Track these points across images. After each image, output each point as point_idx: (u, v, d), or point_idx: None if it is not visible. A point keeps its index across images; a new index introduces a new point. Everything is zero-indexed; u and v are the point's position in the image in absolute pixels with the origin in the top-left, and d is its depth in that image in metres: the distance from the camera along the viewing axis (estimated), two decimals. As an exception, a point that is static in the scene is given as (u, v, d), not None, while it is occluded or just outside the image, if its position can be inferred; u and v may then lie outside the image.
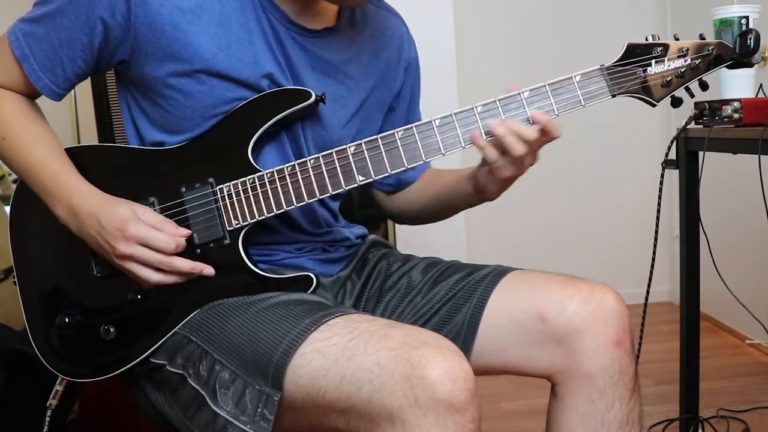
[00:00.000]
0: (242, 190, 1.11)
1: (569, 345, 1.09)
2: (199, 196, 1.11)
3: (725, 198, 2.61)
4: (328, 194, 1.10)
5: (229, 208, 1.11)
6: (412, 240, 2.28)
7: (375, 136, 1.10)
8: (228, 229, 1.11)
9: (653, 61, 1.12)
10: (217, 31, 1.09)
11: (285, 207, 1.10)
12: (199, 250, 1.11)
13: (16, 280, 1.18)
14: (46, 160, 1.10)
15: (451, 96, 2.74)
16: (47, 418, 1.21)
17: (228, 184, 1.11)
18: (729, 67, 1.16)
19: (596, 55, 1.24)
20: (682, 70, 1.12)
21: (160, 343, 1.10)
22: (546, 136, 1.09)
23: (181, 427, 1.10)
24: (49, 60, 1.10)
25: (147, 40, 1.07)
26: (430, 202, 1.32)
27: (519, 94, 1.10)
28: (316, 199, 1.11)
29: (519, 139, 1.07)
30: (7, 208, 1.19)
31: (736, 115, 1.56)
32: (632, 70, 1.12)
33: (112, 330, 1.12)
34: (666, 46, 1.12)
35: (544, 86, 1.11)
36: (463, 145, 1.10)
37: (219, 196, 1.11)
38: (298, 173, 1.10)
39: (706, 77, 1.14)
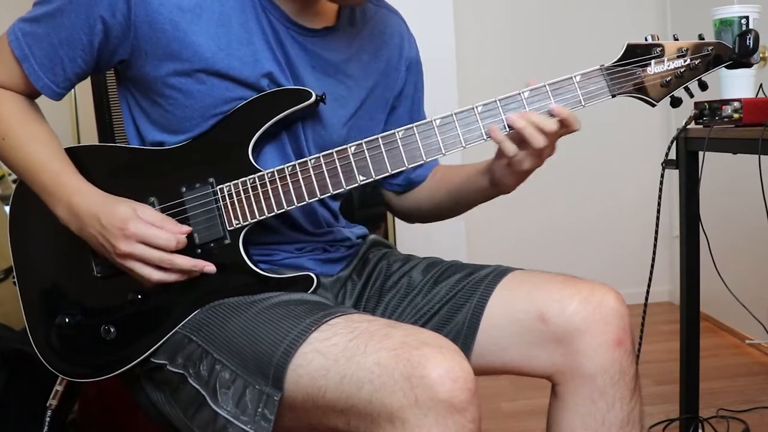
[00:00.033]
0: (242, 189, 1.11)
1: (569, 345, 1.09)
2: (199, 196, 1.11)
3: (725, 198, 2.61)
4: (329, 194, 1.10)
5: (229, 207, 1.11)
6: (412, 240, 2.29)
7: (376, 136, 1.10)
8: (228, 228, 1.11)
9: (653, 62, 1.12)
10: (217, 30, 1.09)
11: (285, 207, 1.10)
12: (199, 250, 1.11)
13: (15, 280, 1.18)
14: (46, 160, 1.10)
15: (451, 96, 2.75)
16: (47, 418, 1.21)
17: (228, 183, 1.11)
18: (728, 67, 1.16)
19: (596, 55, 1.25)
20: (682, 70, 1.13)
21: (160, 343, 1.10)
22: (566, 128, 1.09)
23: (182, 427, 1.10)
24: (49, 59, 1.10)
25: (147, 39, 1.07)
26: (443, 200, 1.31)
27: (519, 94, 1.11)
28: (316, 198, 1.11)
29: (539, 131, 1.07)
30: (7, 208, 1.19)
31: (736, 115, 1.56)
32: (632, 70, 1.12)
33: (112, 330, 1.12)
34: (665, 47, 1.12)
35: (544, 86, 1.11)
36: (464, 144, 1.11)
37: (219, 196, 1.11)
38: (299, 173, 1.10)
39: (706, 77, 1.15)
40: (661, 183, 1.78)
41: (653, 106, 1.14)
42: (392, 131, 1.11)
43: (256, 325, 1.02)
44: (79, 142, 2.14)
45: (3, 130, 1.13)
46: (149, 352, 1.10)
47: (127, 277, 1.09)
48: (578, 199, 3.28)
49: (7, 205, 1.18)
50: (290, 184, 1.10)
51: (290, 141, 1.16)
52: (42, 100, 1.17)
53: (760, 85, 1.68)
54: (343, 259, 1.27)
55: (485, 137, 1.11)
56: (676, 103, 1.15)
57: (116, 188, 1.10)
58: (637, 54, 1.12)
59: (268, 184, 1.10)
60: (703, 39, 1.14)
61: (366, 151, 1.10)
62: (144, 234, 1.04)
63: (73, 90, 1.17)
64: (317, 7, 1.17)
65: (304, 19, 1.16)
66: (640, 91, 1.13)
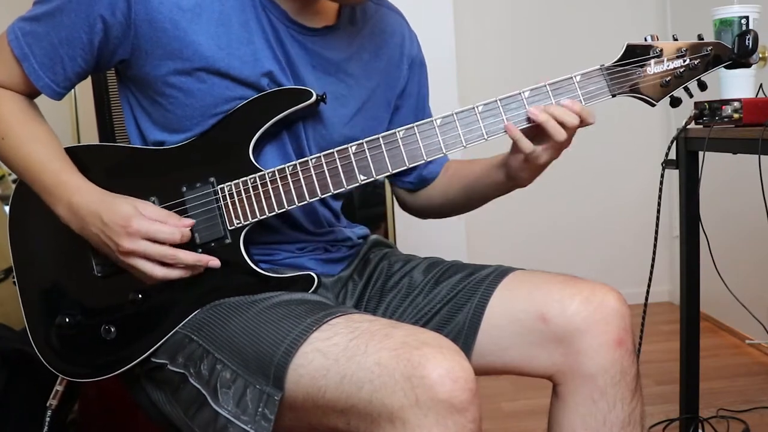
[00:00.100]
0: (243, 189, 1.11)
1: (570, 345, 1.09)
2: (200, 195, 1.11)
3: (725, 198, 2.61)
4: (330, 193, 1.11)
5: (230, 207, 1.11)
6: (413, 240, 2.29)
7: (376, 136, 1.10)
8: (229, 228, 1.11)
9: (652, 62, 1.13)
10: (217, 29, 1.09)
11: (286, 206, 1.11)
12: (200, 250, 1.11)
13: (15, 280, 1.17)
14: (46, 160, 1.10)
15: (451, 96, 2.75)
16: (47, 418, 1.21)
17: (229, 183, 1.11)
18: (727, 67, 1.16)
19: (596, 55, 1.25)
20: (681, 70, 1.13)
21: (161, 342, 1.10)
22: (582, 123, 1.10)
23: (182, 427, 1.10)
24: (49, 59, 1.10)
25: (147, 38, 1.07)
26: (457, 196, 1.31)
27: (519, 94, 1.11)
28: (317, 198, 1.11)
29: (561, 125, 1.08)
30: (7, 208, 1.19)
31: (736, 115, 1.56)
32: (632, 70, 1.12)
33: (112, 330, 1.12)
34: (665, 47, 1.13)
35: (545, 86, 1.11)
36: (465, 144, 1.11)
37: (220, 195, 1.11)
38: (300, 172, 1.10)
39: (705, 77, 1.15)
40: (661, 183, 1.77)
41: (653, 106, 1.15)
42: (393, 131, 1.11)
43: (256, 324, 1.02)
44: (79, 142, 2.13)
45: (3, 129, 1.12)
46: (150, 351, 1.10)
47: (128, 277, 1.09)
48: (578, 199, 3.28)
49: (7, 205, 1.18)
50: (291, 183, 1.10)
51: (291, 140, 1.16)
52: (42, 100, 1.17)
53: (760, 85, 1.68)
54: (344, 259, 1.27)
55: (485, 137, 1.11)
56: (675, 103, 1.16)
57: (116, 188, 1.10)
58: (637, 54, 1.13)
59: (268, 183, 1.10)
60: (703, 39, 1.15)
61: (367, 150, 1.10)
62: (147, 230, 1.04)
63: (73, 89, 1.17)
64: (317, 6, 1.17)
65: (305, 18, 1.16)
66: (639, 91, 1.13)
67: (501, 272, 1.17)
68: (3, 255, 1.34)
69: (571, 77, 1.12)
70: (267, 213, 1.11)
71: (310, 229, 1.21)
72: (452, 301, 1.17)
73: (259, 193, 1.10)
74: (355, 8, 1.23)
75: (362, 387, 0.90)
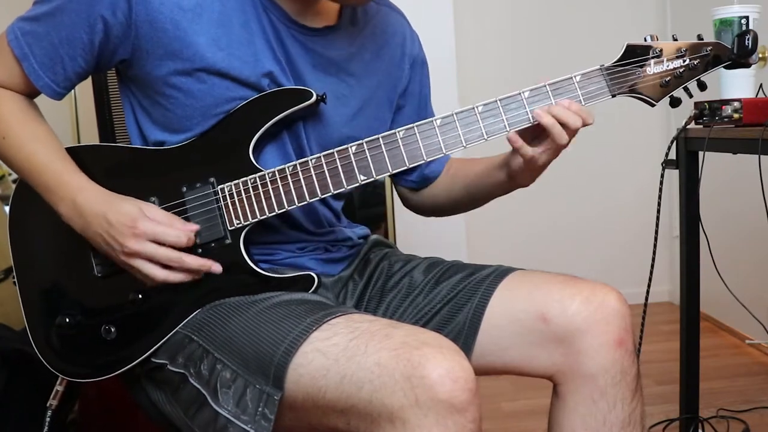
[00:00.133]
0: (243, 189, 1.11)
1: (571, 345, 1.09)
2: (200, 195, 1.11)
3: (725, 198, 2.61)
4: (330, 194, 1.11)
5: (230, 207, 1.11)
6: (413, 240, 2.29)
7: (376, 136, 1.10)
8: (229, 228, 1.11)
9: (652, 62, 1.13)
10: (218, 30, 1.09)
11: (286, 206, 1.11)
12: (200, 250, 1.10)
13: (15, 280, 1.17)
14: (48, 160, 1.10)
15: (451, 96, 2.75)
16: (47, 418, 1.21)
17: (229, 183, 1.11)
18: (727, 67, 1.16)
19: (596, 55, 1.25)
20: (681, 70, 1.13)
21: (161, 342, 1.10)
22: (582, 123, 1.11)
23: (182, 427, 1.10)
24: (49, 59, 1.10)
25: (148, 38, 1.07)
26: (460, 194, 1.31)
27: (519, 94, 1.11)
28: (317, 198, 1.11)
29: (563, 128, 1.09)
30: (7, 208, 1.19)
31: (736, 115, 1.56)
32: (631, 70, 1.13)
33: (112, 330, 1.12)
34: (664, 47, 1.13)
35: (545, 86, 1.11)
36: (465, 144, 1.11)
37: (220, 195, 1.11)
38: (300, 173, 1.10)
39: (705, 77, 1.15)
40: (661, 183, 1.78)
41: (652, 106, 1.15)
42: (393, 131, 1.11)
43: (256, 324, 1.02)
44: (79, 141, 2.14)
45: (3, 129, 1.12)
46: (150, 352, 1.10)
47: (128, 277, 1.09)
48: (578, 199, 3.28)
49: (7, 205, 1.18)
50: (291, 183, 1.10)
51: (291, 140, 1.16)
52: (42, 100, 1.17)
53: (760, 85, 1.68)
54: (344, 259, 1.27)
55: (485, 137, 1.11)
56: (675, 103, 1.16)
57: (117, 188, 1.10)
58: (637, 54, 1.13)
59: (268, 183, 1.10)
60: (702, 39, 1.15)
61: (367, 150, 1.10)
62: (154, 232, 1.04)
63: (73, 89, 1.17)
64: (318, 6, 1.17)
65: (305, 18, 1.16)
66: (639, 91, 1.13)
67: (501, 272, 1.17)
68: (3, 255, 1.34)
69: (571, 77, 1.12)
70: (267, 213, 1.11)
71: (310, 229, 1.21)
72: (452, 301, 1.17)
73: (259, 193, 1.10)
74: (357, 8, 1.23)
75: (362, 387, 0.90)
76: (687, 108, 1.41)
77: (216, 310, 1.08)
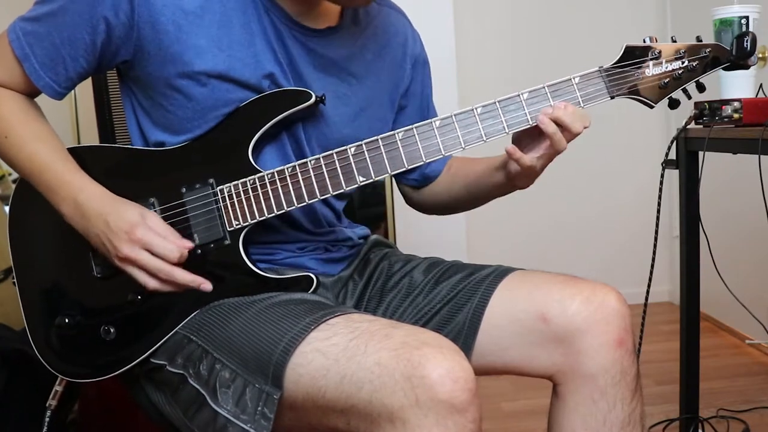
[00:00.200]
0: (242, 190, 1.11)
1: (571, 345, 1.09)
2: (199, 196, 1.11)
3: (725, 198, 2.61)
4: (329, 195, 1.11)
5: (229, 208, 1.11)
6: (413, 240, 2.29)
7: (375, 137, 1.11)
8: (228, 229, 1.11)
9: (651, 63, 1.13)
10: (219, 32, 1.09)
11: (285, 207, 1.11)
12: (199, 251, 1.11)
13: (15, 280, 1.18)
14: (49, 160, 1.10)
15: (451, 96, 2.75)
16: (47, 418, 1.21)
17: (228, 184, 1.11)
18: (726, 69, 1.16)
19: (596, 55, 1.25)
20: (679, 72, 1.13)
21: (160, 343, 1.10)
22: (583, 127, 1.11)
23: (182, 427, 1.10)
24: (50, 59, 1.10)
25: (150, 40, 1.07)
26: (461, 193, 1.32)
27: (518, 95, 1.11)
28: (316, 199, 1.11)
29: (565, 132, 1.09)
30: (7, 208, 1.19)
31: (736, 115, 1.56)
32: (630, 72, 1.12)
33: (112, 330, 1.12)
34: (663, 48, 1.13)
35: (543, 88, 1.11)
36: (463, 146, 1.11)
37: (219, 196, 1.11)
38: (299, 174, 1.10)
39: (704, 79, 1.15)
40: (661, 183, 1.78)
41: (651, 107, 1.15)
42: (392, 132, 1.11)
43: (255, 324, 1.02)
44: (79, 142, 2.14)
45: (5, 129, 1.12)
46: (149, 352, 1.10)
47: (127, 278, 1.09)
48: (578, 199, 3.28)
49: (7, 205, 1.18)
50: (290, 185, 1.10)
51: (290, 141, 1.16)
52: (42, 100, 1.17)
53: (760, 85, 1.68)
54: (344, 259, 1.27)
55: (484, 139, 1.11)
56: (674, 104, 1.16)
57: (116, 188, 1.10)
58: (636, 55, 1.12)
59: (268, 184, 1.10)
60: (701, 41, 1.15)
61: (366, 152, 1.10)
62: (149, 241, 1.05)
63: (74, 89, 1.17)
64: (320, 7, 1.17)
65: (307, 19, 1.16)
66: (638, 92, 1.13)
67: (501, 272, 1.17)
68: (3, 255, 1.34)
69: (570, 79, 1.11)
70: (266, 214, 1.11)
71: (310, 229, 1.21)
72: (452, 301, 1.17)
73: (258, 194, 1.11)
74: (358, 9, 1.23)
75: (362, 387, 0.90)
76: (687, 108, 1.41)
77: (215, 310, 1.08)
